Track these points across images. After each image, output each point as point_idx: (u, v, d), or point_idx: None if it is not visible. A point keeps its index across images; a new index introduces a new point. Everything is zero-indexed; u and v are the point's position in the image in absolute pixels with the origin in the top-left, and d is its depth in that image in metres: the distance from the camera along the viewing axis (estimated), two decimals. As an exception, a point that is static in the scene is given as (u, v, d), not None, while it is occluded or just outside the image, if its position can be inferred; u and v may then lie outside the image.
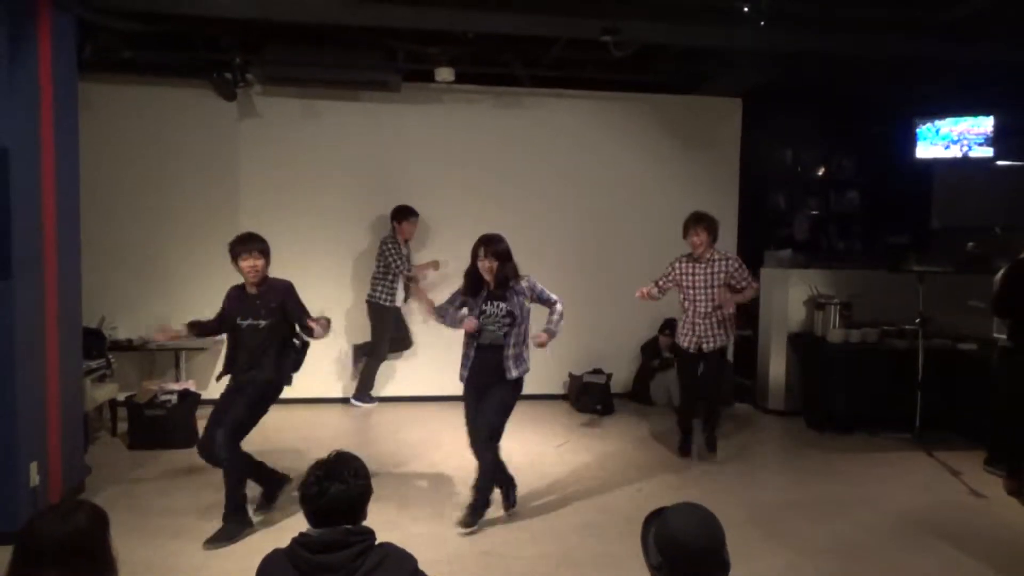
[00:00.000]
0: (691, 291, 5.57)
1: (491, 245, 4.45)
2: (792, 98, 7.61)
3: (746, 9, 4.93)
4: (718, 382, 5.90)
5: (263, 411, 4.48)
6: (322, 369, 6.93)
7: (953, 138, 7.22)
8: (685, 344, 5.68)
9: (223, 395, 4.55)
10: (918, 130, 7.42)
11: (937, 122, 7.31)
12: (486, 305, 4.47)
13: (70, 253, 4.69)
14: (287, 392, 4.66)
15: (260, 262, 4.42)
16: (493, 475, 4.50)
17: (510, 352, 4.43)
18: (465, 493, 4.93)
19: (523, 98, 7.45)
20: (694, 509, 1.97)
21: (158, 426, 5.74)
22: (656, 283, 5.66)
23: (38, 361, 4.31)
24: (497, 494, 4.62)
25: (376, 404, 7.14)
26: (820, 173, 8.52)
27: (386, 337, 6.98)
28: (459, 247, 7.18)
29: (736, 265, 5.53)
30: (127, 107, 6.86)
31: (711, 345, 5.59)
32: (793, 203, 8.48)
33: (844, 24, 5.45)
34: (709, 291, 5.50)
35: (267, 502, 4.63)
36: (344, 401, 7.20)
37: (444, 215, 7.23)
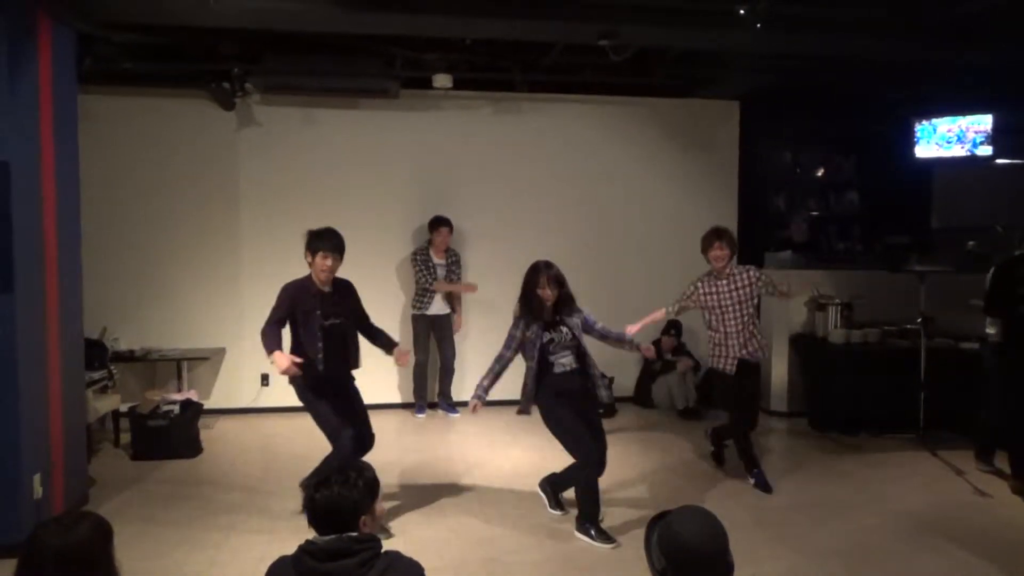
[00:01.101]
0: (718, 311, 5.23)
1: (551, 270, 4.40)
2: (790, 99, 7.61)
3: (742, 12, 4.94)
4: (757, 401, 5.54)
5: None
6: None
7: (952, 137, 7.22)
8: (723, 366, 5.25)
9: (326, 397, 4.45)
10: (917, 129, 7.42)
11: (936, 121, 7.32)
12: (552, 334, 4.41)
13: (71, 264, 4.70)
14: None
15: (338, 263, 4.46)
16: None
17: (597, 375, 4.52)
18: (468, 499, 4.94)
19: (521, 103, 7.46)
20: (698, 512, 1.97)
21: (161, 436, 5.73)
22: (674, 310, 5.45)
23: (40, 373, 4.31)
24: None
25: (424, 415, 7.12)
26: (819, 174, 8.52)
27: (420, 346, 7.04)
28: (459, 252, 7.25)
29: (758, 276, 5.24)
30: (127, 118, 6.87)
31: (756, 357, 5.26)
32: (793, 205, 8.48)
33: (841, 25, 5.45)
34: (737, 307, 5.18)
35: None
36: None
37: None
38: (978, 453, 5.58)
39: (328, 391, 4.46)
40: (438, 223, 6.98)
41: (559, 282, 4.40)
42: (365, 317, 4.72)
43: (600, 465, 4.43)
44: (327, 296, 4.47)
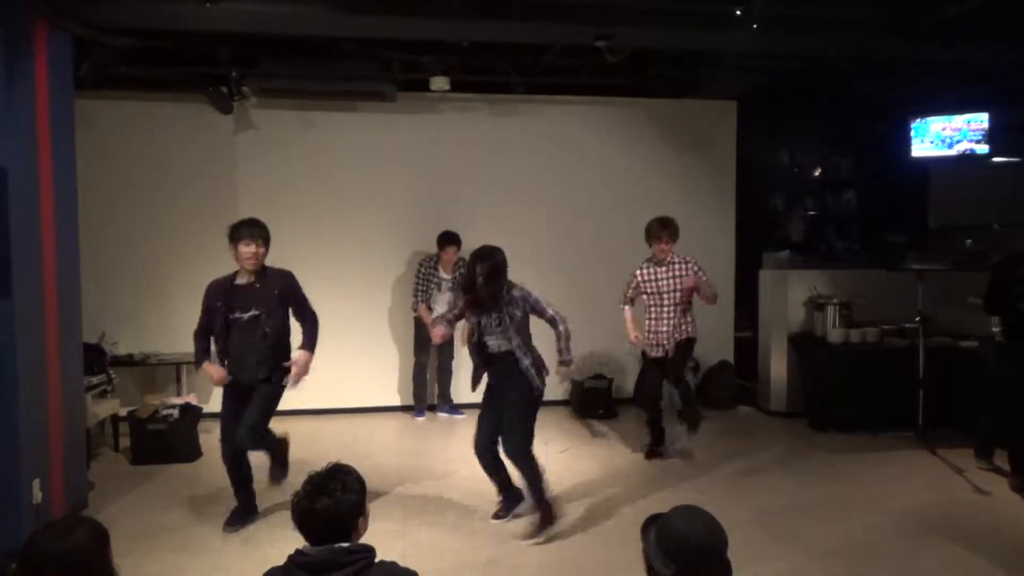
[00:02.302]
0: (656, 296, 5.61)
1: (484, 261, 4.31)
2: (787, 99, 7.62)
3: (739, 12, 4.94)
4: (682, 367, 5.84)
5: (274, 410, 4.50)
6: (329, 379, 6.91)
7: (947, 136, 7.23)
8: (653, 352, 5.69)
9: (227, 400, 4.43)
10: (913, 128, 7.43)
11: (932, 120, 7.32)
12: (483, 317, 4.42)
13: (69, 270, 4.69)
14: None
15: (261, 249, 4.35)
16: (538, 479, 4.46)
17: (527, 363, 4.37)
18: (469, 502, 4.94)
19: (518, 105, 7.46)
20: (694, 510, 1.97)
21: (160, 441, 5.73)
22: (627, 299, 5.75)
23: (40, 378, 4.31)
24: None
25: (423, 418, 7.11)
26: (817, 173, 8.52)
27: (421, 347, 7.04)
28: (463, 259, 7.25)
29: (697, 267, 5.59)
30: (124, 123, 6.87)
31: (679, 337, 5.61)
32: (791, 204, 8.48)
33: (837, 25, 5.46)
34: (675, 294, 5.56)
35: (239, 520, 4.54)
36: (347, 411, 7.20)
37: (441, 224, 7.21)
38: (977, 450, 5.59)
39: (230, 390, 4.43)
40: (447, 242, 6.86)
41: (487, 274, 4.28)
42: (301, 309, 4.54)
43: (480, 447, 4.56)
44: (245, 288, 4.35)
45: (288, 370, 4.48)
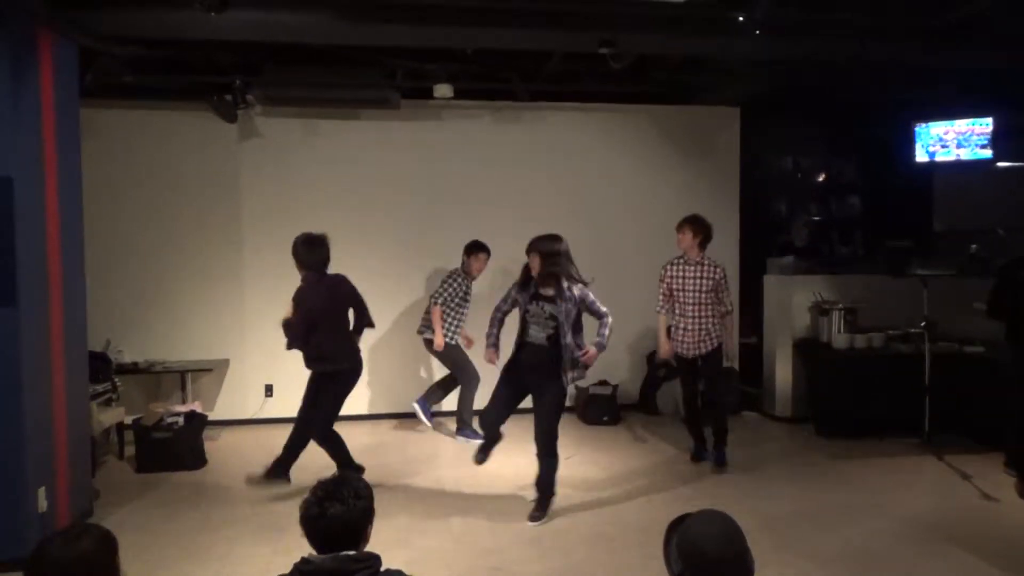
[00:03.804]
0: (681, 293, 5.60)
1: (537, 243, 4.55)
2: (790, 105, 7.62)
3: (741, 19, 4.95)
4: (719, 386, 5.85)
5: (336, 407, 5.26)
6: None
7: (951, 141, 7.22)
8: (682, 351, 5.72)
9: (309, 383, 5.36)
10: (917, 132, 7.42)
11: (936, 125, 7.32)
12: (530, 305, 4.58)
13: (74, 278, 4.71)
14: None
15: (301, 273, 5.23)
16: (554, 474, 4.71)
17: (567, 360, 4.56)
18: (473, 508, 4.93)
19: (522, 112, 7.48)
20: (715, 516, 2.01)
21: (165, 448, 5.73)
22: (665, 300, 5.72)
23: (45, 386, 4.32)
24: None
25: (465, 439, 6.52)
26: (820, 179, 8.53)
27: (468, 372, 6.48)
28: (457, 260, 7.24)
29: (722, 275, 5.59)
30: (129, 131, 6.90)
31: (706, 347, 5.62)
32: (794, 210, 8.48)
33: (840, 30, 5.47)
34: (699, 294, 5.53)
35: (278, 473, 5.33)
36: (343, 419, 7.19)
37: (445, 231, 7.23)
38: (1007, 460, 5.52)
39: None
40: (478, 248, 6.50)
41: (540, 253, 4.51)
42: (357, 308, 5.47)
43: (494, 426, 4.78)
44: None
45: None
